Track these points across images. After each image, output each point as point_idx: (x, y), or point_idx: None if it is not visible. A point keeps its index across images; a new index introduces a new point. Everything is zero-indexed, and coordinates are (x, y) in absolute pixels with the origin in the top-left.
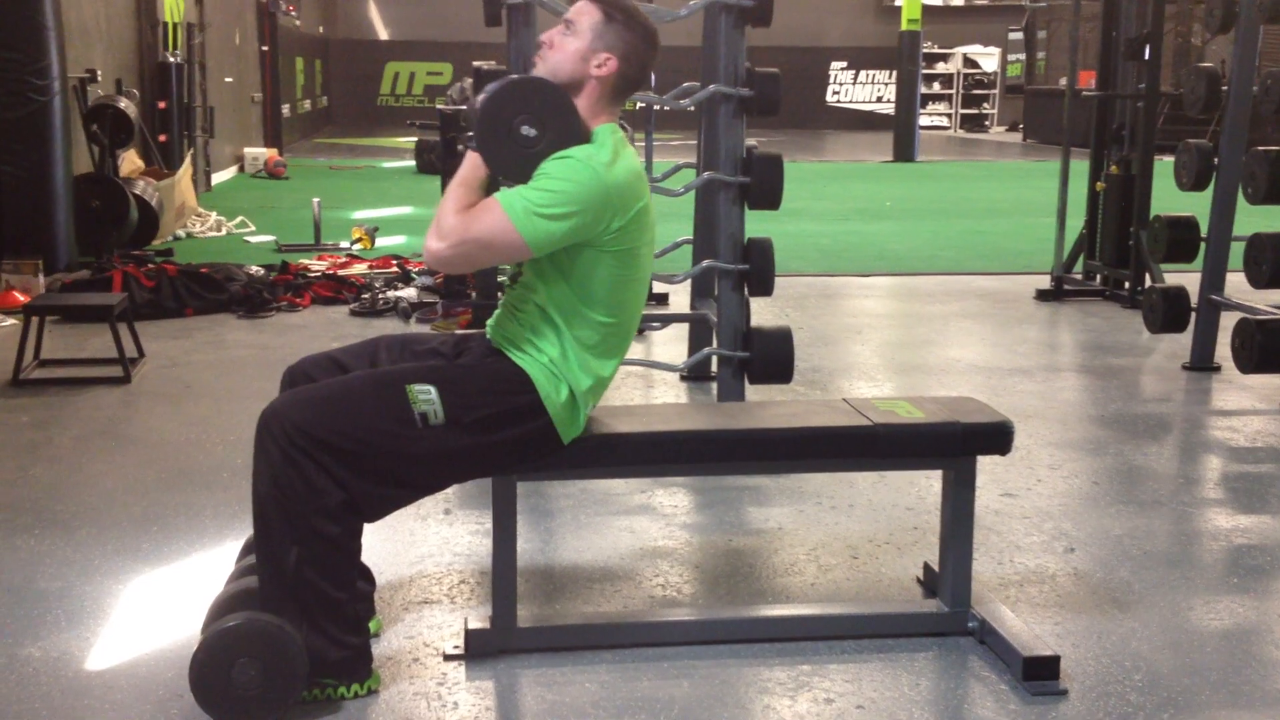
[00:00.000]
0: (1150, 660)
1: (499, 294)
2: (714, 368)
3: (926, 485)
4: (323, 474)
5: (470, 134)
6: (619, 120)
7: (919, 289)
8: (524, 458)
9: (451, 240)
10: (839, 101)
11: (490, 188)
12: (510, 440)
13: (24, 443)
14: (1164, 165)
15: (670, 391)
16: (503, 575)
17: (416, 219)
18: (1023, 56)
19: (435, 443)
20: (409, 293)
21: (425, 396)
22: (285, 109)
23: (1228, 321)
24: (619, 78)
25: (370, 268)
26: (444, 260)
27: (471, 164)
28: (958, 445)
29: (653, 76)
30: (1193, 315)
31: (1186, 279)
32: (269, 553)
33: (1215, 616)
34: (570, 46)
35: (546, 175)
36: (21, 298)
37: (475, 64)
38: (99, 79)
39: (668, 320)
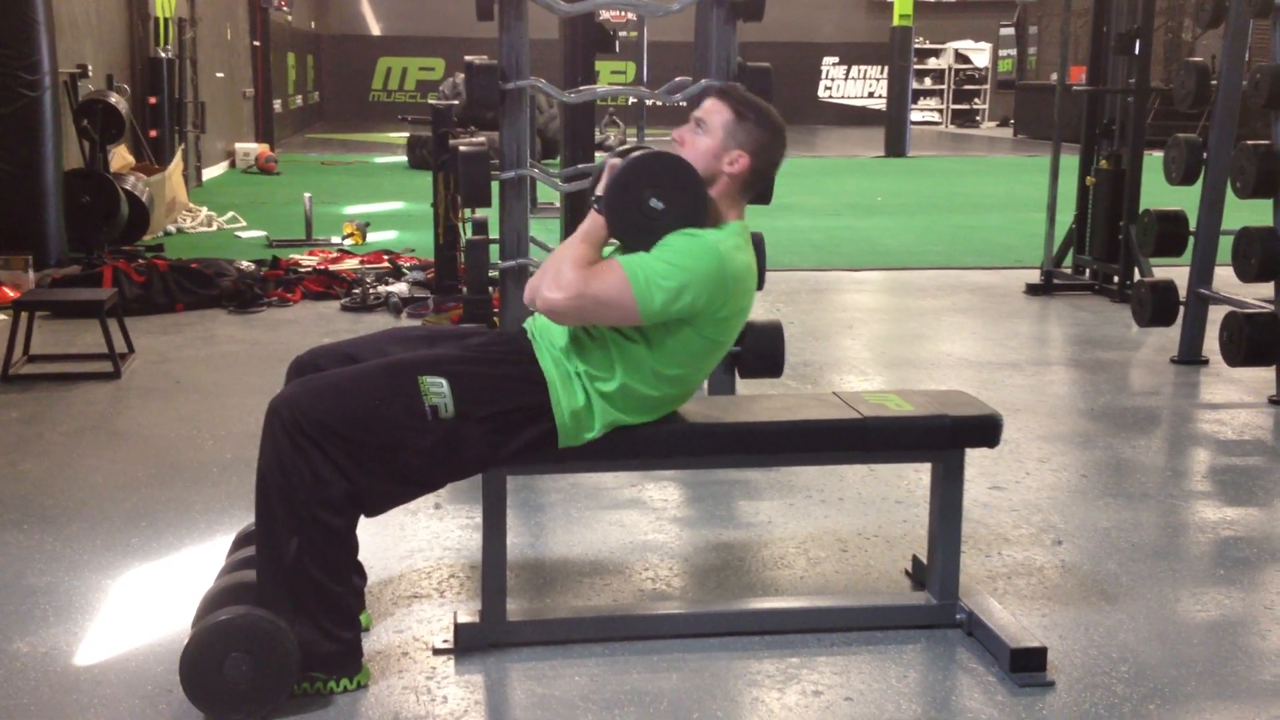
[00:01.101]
0: (1137, 652)
1: (490, 289)
2: None
3: (916, 478)
4: (329, 464)
5: (596, 196)
6: (606, 116)
7: (910, 283)
8: (525, 456)
9: (569, 293)
10: (831, 97)
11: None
12: (516, 438)
13: (13, 438)
14: (1154, 160)
15: None
16: (492, 569)
17: (408, 214)
18: (1014, 52)
19: (443, 436)
20: (400, 288)
21: (437, 389)
22: (277, 104)
23: (1216, 315)
24: (750, 173)
25: (361, 263)
26: (558, 310)
27: (595, 224)
28: (946, 438)
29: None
30: (1181, 309)
31: (1175, 273)
32: (269, 542)
33: (1202, 608)
34: (702, 144)
35: (671, 248)
36: (11, 293)
37: (467, 59)
38: (90, 74)
39: None
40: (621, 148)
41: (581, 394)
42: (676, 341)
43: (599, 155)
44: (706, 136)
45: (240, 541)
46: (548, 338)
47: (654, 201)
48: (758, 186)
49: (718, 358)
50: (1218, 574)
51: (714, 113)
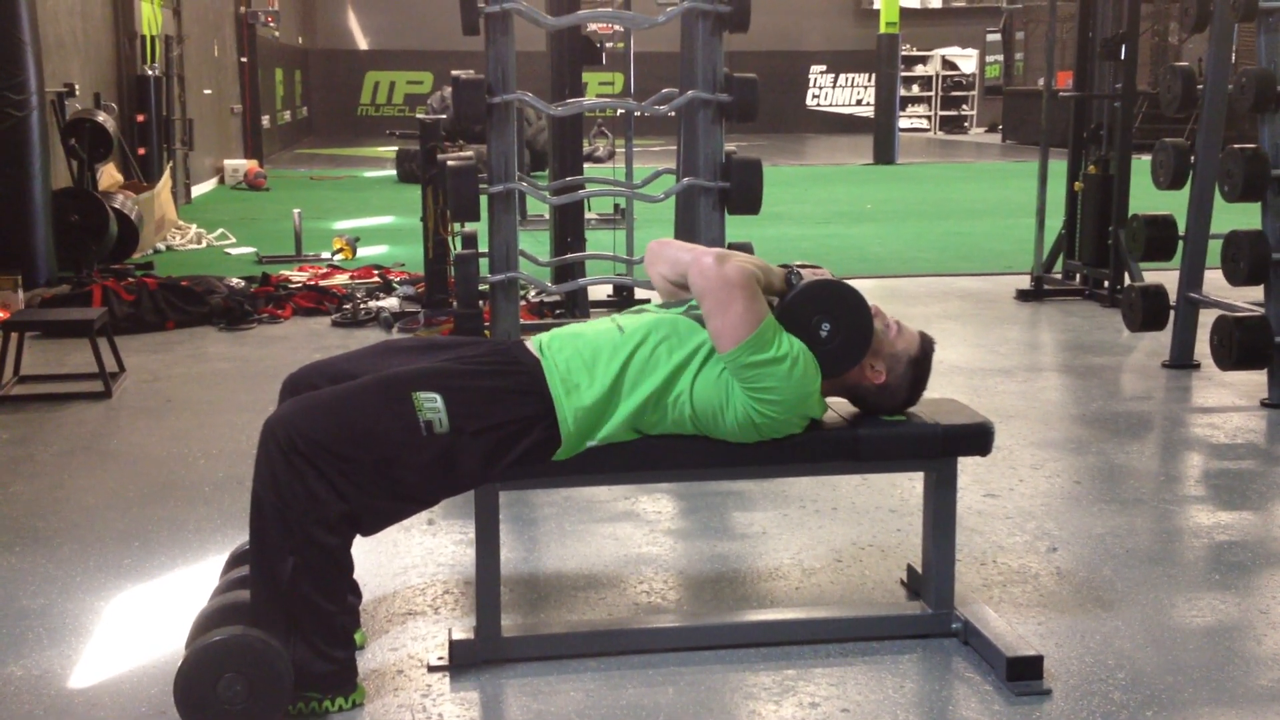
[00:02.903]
0: (1133, 658)
1: (479, 303)
2: None
3: (909, 487)
4: (324, 483)
5: (796, 281)
6: (595, 127)
7: (900, 291)
8: (521, 468)
9: (732, 280)
10: (819, 105)
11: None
12: (512, 451)
13: (4, 459)
14: (1141, 164)
15: None
16: (487, 585)
17: (398, 229)
18: (1001, 58)
19: (438, 451)
20: (391, 303)
21: (431, 405)
22: (265, 120)
23: (1206, 319)
24: (877, 391)
25: (352, 278)
26: (712, 274)
27: (778, 277)
28: (938, 447)
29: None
30: (1172, 313)
31: (1165, 277)
32: (264, 561)
33: (1198, 614)
34: (887, 340)
35: (801, 367)
36: (1, 314)
37: (454, 73)
38: (77, 93)
39: None
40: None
41: (584, 408)
42: (721, 409)
43: (587, 167)
44: (899, 340)
45: (234, 561)
46: (562, 360)
47: (824, 326)
48: (868, 403)
49: (730, 432)
50: (1213, 579)
51: (903, 338)
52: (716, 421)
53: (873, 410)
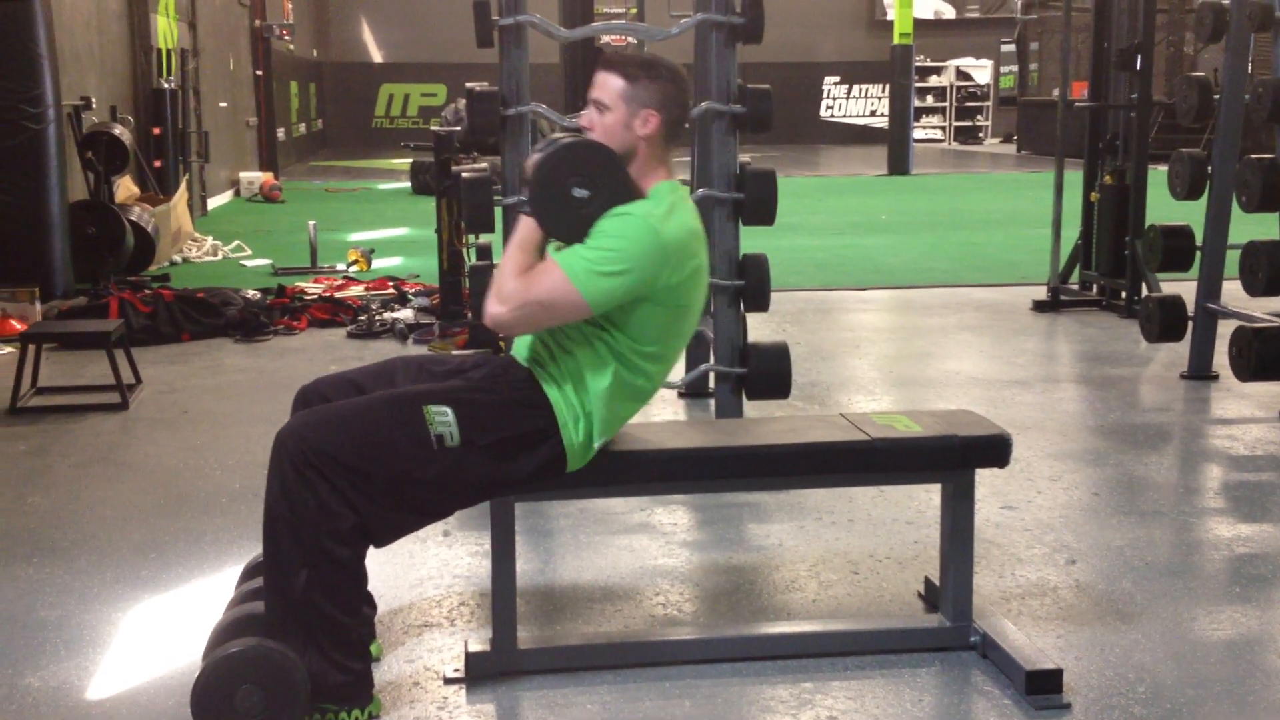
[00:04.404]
0: (1154, 672)
1: None
2: (712, 384)
3: (926, 499)
4: (336, 496)
5: (524, 198)
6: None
7: (916, 302)
8: (533, 483)
9: (513, 304)
10: (833, 116)
11: (544, 248)
12: (522, 465)
13: (22, 471)
14: (1158, 175)
15: (668, 409)
16: (502, 597)
17: (412, 240)
18: (1015, 68)
19: (449, 465)
20: (406, 314)
21: (442, 418)
22: (280, 133)
23: (1225, 330)
24: (665, 126)
25: (367, 290)
26: (506, 323)
27: (527, 227)
28: (956, 458)
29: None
30: (1190, 324)
31: (1183, 288)
32: (277, 574)
33: (1218, 627)
34: (609, 121)
35: (603, 233)
36: (18, 325)
37: (468, 85)
38: (93, 106)
39: None
40: (541, 143)
41: (583, 410)
42: (641, 319)
43: None
44: (609, 112)
45: (249, 572)
46: (535, 360)
47: (577, 191)
48: (678, 134)
49: (691, 324)
50: (1233, 592)
51: (605, 87)
52: (645, 321)
53: (683, 112)
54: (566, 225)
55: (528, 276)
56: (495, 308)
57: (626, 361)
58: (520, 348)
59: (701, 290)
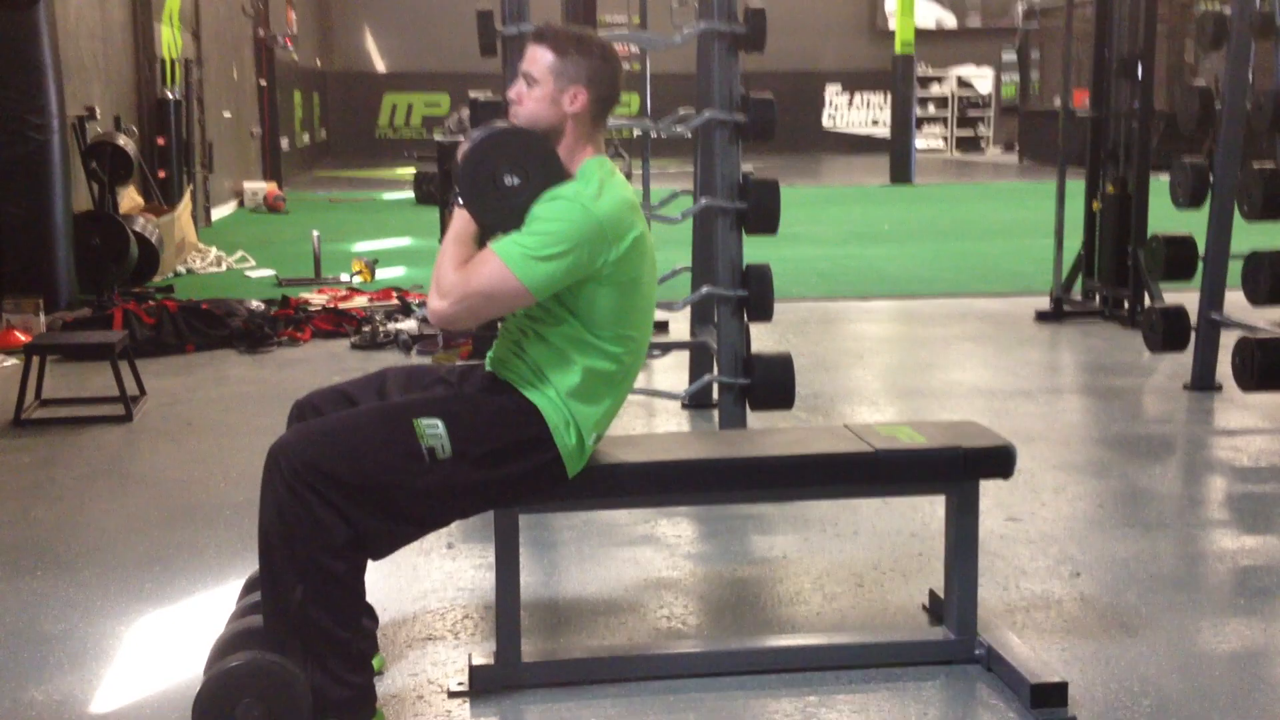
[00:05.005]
0: (1159, 684)
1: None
2: (715, 395)
3: (930, 510)
4: (329, 510)
5: (457, 191)
6: (611, 148)
7: (918, 312)
8: (530, 491)
9: (454, 297)
10: (834, 125)
11: (483, 240)
12: (517, 474)
13: (26, 483)
14: (1160, 183)
15: (672, 420)
16: (506, 610)
17: (416, 250)
18: (1016, 77)
19: (442, 477)
20: (409, 325)
21: (433, 431)
22: (284, 143)
23: (1228, 340)
24: (594, 104)
25: (370, 300)
26: (448, 318)
27: (462, 219)
28: (960, 470)
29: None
30: (1193, 334)
31: (1185, 297)
32: (273, 589)
33: (1223, 639)
34: (537, 95)
35: (537, 218)
36: (22, 337)
37: (472, 94)
38: (98, 116)
39: (668, 348)
40: (472, 132)
41: (569, 413)
42: (590, 301)
43: None
44: (538, 86)
45: (250, 586)
46: (506, 366)
47: (508, 178)
48: (607, 112)
49: (645, 299)
50: (1238, 604)
51: (536, 60)
52: (594, 302)
53: (612, 90)
54: (500, 214)
55: (466, 269)
56: (436, 303)
57: (588, 349)
58: (492, 360)
59: (647, 261)
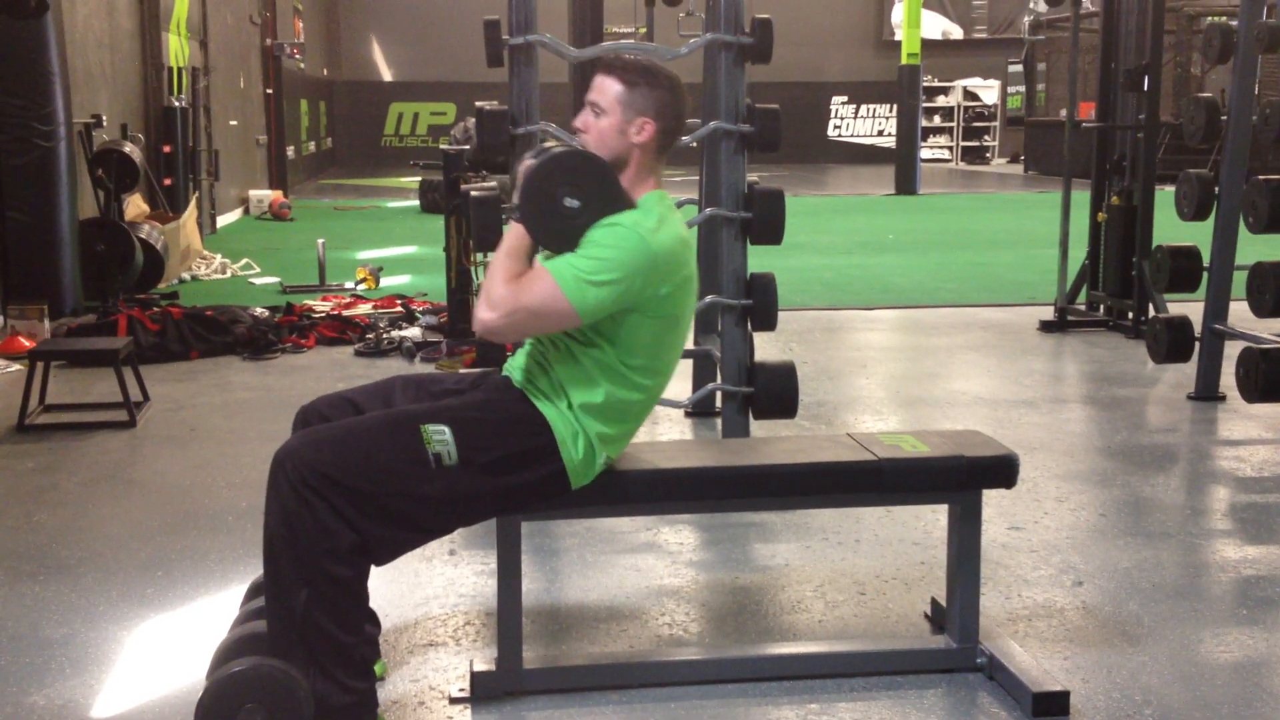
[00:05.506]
0: (1161, 694)
1: None
2: (718, 403)
3: (933, 519)
4: (335, 515)
5: (514, 205)
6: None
7: (923, 321)
8: (534, 500)
9: (503, 310)
10: (840, 136)
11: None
12: (522, 483)
13: (29, 488)
14: (1165, 195)
15: (675, 428)
16: (508, 616)
17: (421, 258)
18: (1022, 89)
19: (448, 484)
20: (413, 332)
21: (440, 437)
22: (290, 151)
23: (1232, 351)
24: (660, 136)
25: (375, 308)
26: (495, 330)
27: (517, 234)
28: (963, 479)
29: None
30: (1197, 345)
31: (1190, 309)
32: (278, 594)
33: (1225, 649)
34: (604, 125)
35: (594, 243)
36: (27, 343)
37: (478, 104)
38: (104, 124)
39: None
40: (535, 149)
41: (580, 427)
42: (630, 331)
43: None
44: (605, 116)
45: (253, 591)
46: (529, 379)
47: (568, 200)
48: (671, 145)
49: (681, 336)
50: (1240, 614)
51: (604, 90)
52: (636, 334)
53: (679, 122)
54: (556, 234)
55: (517, 283)
56: (485, 313)
57: (617, 376)
58: (513, 368)
59: (691, 301)
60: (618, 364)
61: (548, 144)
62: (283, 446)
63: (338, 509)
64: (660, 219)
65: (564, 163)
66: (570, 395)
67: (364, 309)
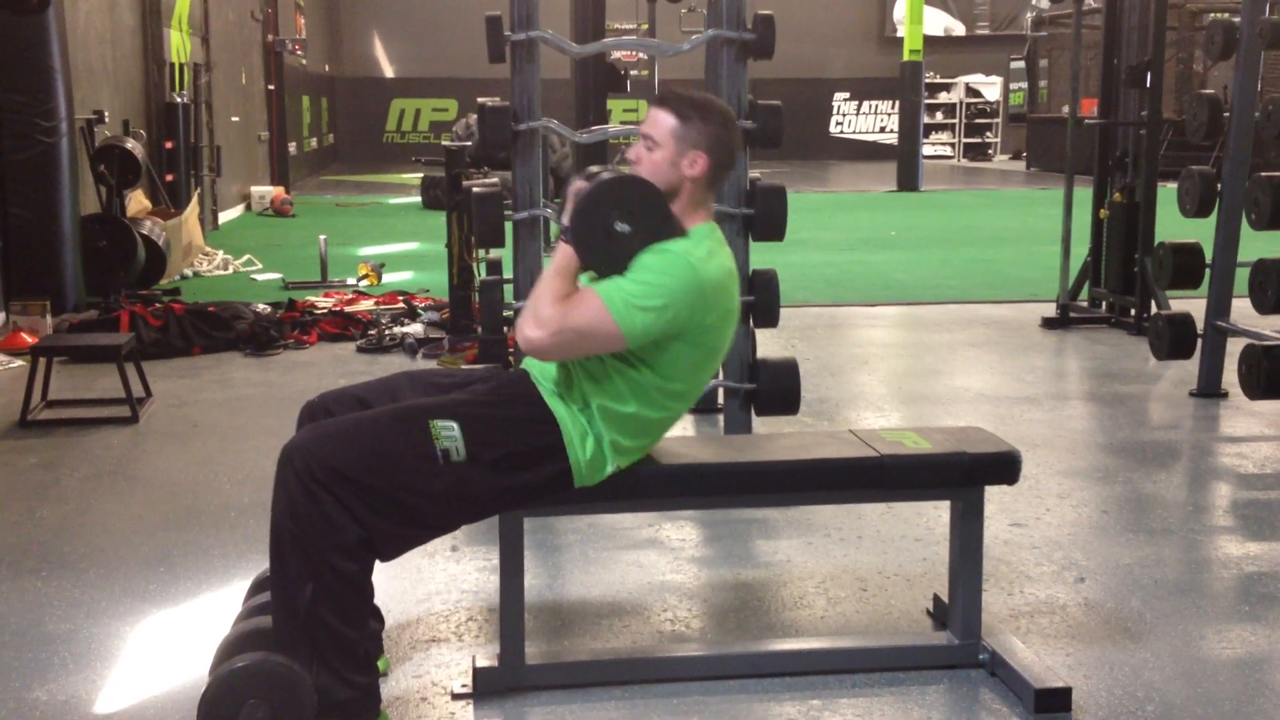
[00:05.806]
0: (1163, 691)
1: (505, 329)
2: (720, 400)
3: (935, 516)
4: (341, 510)
5: (564, 227)
6: (617, 155)
7: (925, 318)
8: (539, 498)
9: (550, 329)
10: (842, 132)
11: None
12: (528, 481)
13: (32, 484)
14: (1167, 192)
15: (677, 424)
16: (510, 612)
17: (422, 255)
18: (1025, 85)
19: (455, 480)
20: (415, 328)
21: (448, 433)
22: (292, 147)
23: (1234, 347)
24: (712, 170)
25: (377, 304)
26: (542, 348)
27: (566, 255)
28: (965, 475)
29: None
30: (1199, 342)
31: (1192, 305)
32: (283, 588)
33: (1227, 645)
34: (657, 158)
35: (644, 268)
36: (29, 338)
37: (480, 100)
38: (106, 120)
39: None
40: (586, 172)
41: (591, 430)
42: (672, 357)
43: None
44: (659, 149)
45: (256, 587)
46: (549, 378)
47: (620, 225)
48: (722, 179)
49: (715, 364)
50: (1242, 610)
51: (657, 123)
52: (677, 359)
53: (731, 157)
54: (605, 258)
55: (565, 303)
56: (533, 331)
57: (648, 399)
58: (531, 363)
59: (731, 333)
60: (653, 389)
61: (593, 168)
62: (291, 440)
63: (345, 503)
64: (710, 251)
65: (618, 188)
66: (590, 398)
67: (366, 305)
